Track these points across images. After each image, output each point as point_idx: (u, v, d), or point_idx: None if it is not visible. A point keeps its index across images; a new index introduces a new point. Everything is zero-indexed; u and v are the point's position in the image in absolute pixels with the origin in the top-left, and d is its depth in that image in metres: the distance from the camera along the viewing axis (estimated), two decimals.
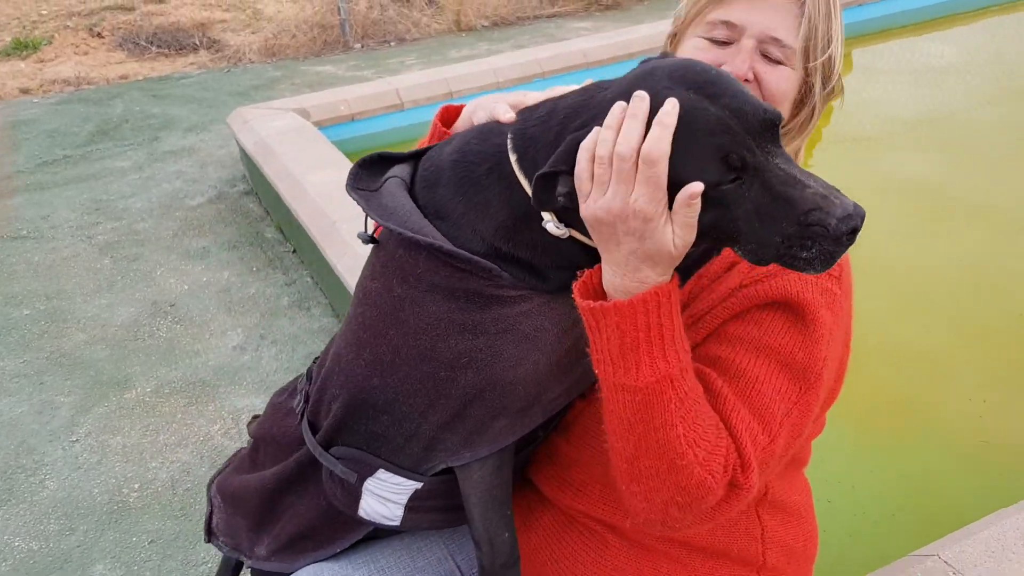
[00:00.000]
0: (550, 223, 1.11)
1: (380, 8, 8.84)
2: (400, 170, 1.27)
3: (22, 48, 8.95)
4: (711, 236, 1.05)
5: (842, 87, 1.37)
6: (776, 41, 1.26)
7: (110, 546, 2.80)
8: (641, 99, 1.01)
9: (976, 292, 3.81)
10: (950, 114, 5.85)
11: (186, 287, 4.36)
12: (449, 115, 1.45)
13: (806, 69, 1.30)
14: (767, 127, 1.02)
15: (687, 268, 1.21)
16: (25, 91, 7.83)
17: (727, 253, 1.26)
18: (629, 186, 1.00)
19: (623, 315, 1.07)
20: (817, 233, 0.98)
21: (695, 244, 1.05)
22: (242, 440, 3.27)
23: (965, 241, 4.23)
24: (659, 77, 1.06)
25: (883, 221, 4.39)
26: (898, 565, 2.02)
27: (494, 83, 5.67)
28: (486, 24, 8.90)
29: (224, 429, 3.33)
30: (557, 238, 1.13)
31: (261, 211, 5.10)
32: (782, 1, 1.26)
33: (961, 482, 2.77)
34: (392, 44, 8.61)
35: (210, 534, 1.58)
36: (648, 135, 0.99)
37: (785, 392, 1.18)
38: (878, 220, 4.41)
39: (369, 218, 1.26)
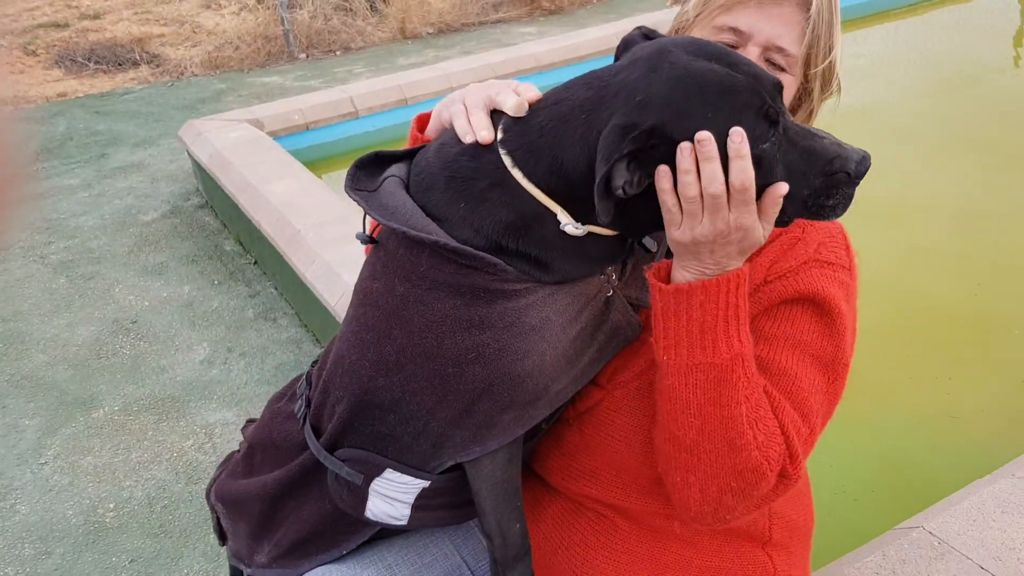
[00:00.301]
0: (568, 225, 1.13)
1: (324, 18, 8.79)
2: (397, 169, 1.27)
3: None
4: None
5: (840, 87, 1.42)
6: (781, 50, 1.30)
7: (89, 568, 2.74)
8: (709, 141, 1.04)
9: (930, 275, 3.94)
10: (882, 107, 6.04)
11: (147, 303, 4.28)
12: (423, 122, 1.46)
13: (806, 75, 1.35)
14: (777, 89, 1.11)
15: None
16: None
17: None
18: (725, 212, 1.07)
19: (708, 294, 1.14)
20: (840, 180, 1.08)
21: None
22: (217, 454, 3.22)
23: (908, 228, 4.37)
24: (677, 52, 1.09)
25: None
26: (885, 538, 2.09)
27: (447, 88, 5.68)
28: (431, 31, 8.91)
29: (198, 444, 3.28)
30: (568, 236, 1.15)
31: (218, 224, 5.03)
32: (788, 10, 1.29)
33: (933, 456, 2.87)
34: (338, 53, 8.57)
35: (223, 538, 1.57)
36: (732, 168, 1.04)
37: (819, 385, 1.24)
38: None
39: (368, 218, 1.26)
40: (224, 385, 3.61)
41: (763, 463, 1.16)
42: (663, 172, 1.08)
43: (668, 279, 1.19)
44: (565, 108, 1.13)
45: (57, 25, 10.05)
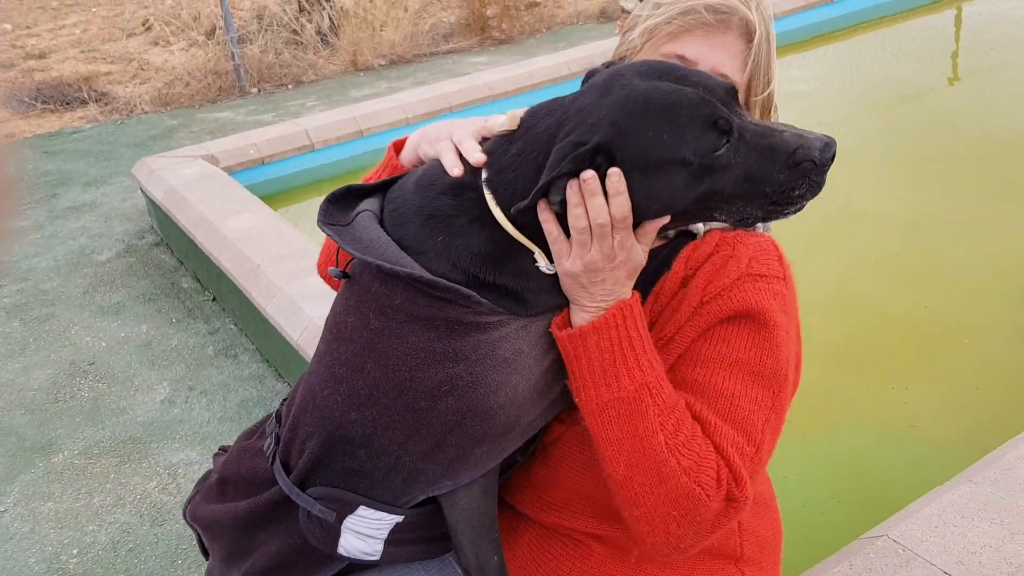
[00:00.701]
0: (541, 263, 1.18)
1: (274, 52, 8.79)
2: (370, 204, 1.29)
3: None
4: (703, 207, 1.14)
5: (778, 116, 1.47)
6: (724, 77, 1.33)
7: None
8: (592, 178, 1.12)
9: (879, 288, 4.04)
10: (826, 127, 6.17)
11: (104, 344, 4.22)
12: (400, 146, 1.49)
13: (747, 103, 1.39)
14: (731, 95, 1.15)
15: (644, 287, 1.31)
16: None
17: (678, 269, 1.33)
18: (610, 238, 1.15)
19: (601, 333, 1.19)
20: (807, 169, 1.10)
21: (677, 226, 1.17)
22: (181, 495, 3.18)
23: (856, 243, 4.49)
24: (628, 75, 1.15)
25: (778, 228, 4.62)
26: (851, 548, 2.13)
27: (403, 119, 5.72)
28: (383, 63, 8.95)
29: (161, 485, 3.24)
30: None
31: (174, 261, 4.99)
32: (732, 40, 1.34)
33: (894, 465, 2.93)
34: (290, 87, 8.56)
35: (207, 554, 1.56)
36: (612, 203, 1.13)
37: (761, 400, 1.26)
38: (774, 228, 4.65)
39: (340, 253, 1.28)
40: (186, 424, 3.57)
41: (695, 488, 1.18)
42: (542, 205, 1.15)
43: (571, 324, 1.25)
44: (532, 137, 1.18)
45: (2, 65, 9.92)
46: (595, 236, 1.15)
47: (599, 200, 1.13)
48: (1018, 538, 1.98)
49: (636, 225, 1.16)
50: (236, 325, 4.26)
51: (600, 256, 1.16)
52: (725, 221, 1.17)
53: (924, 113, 6.25)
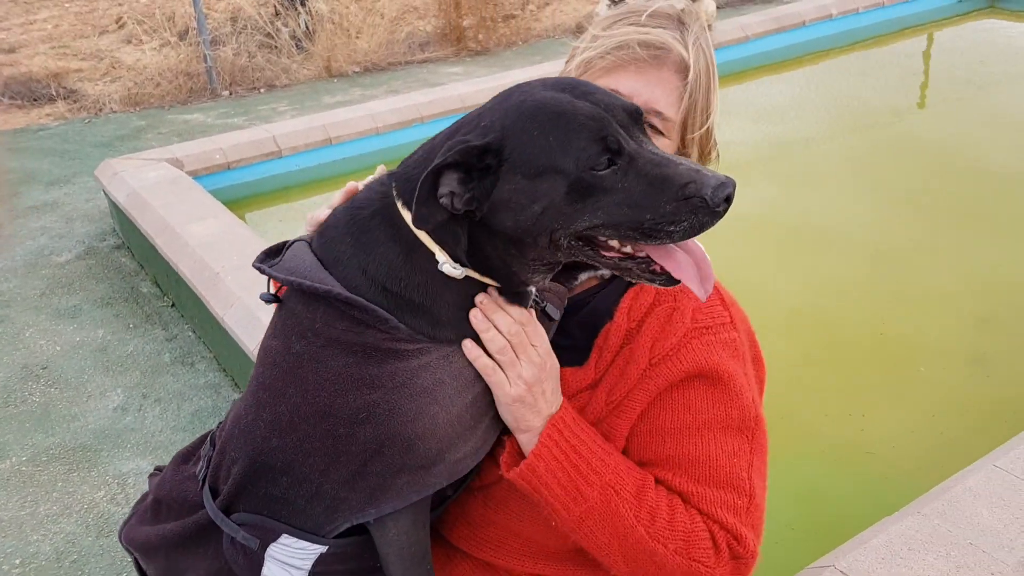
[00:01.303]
0: (446, 264, 1.16)
1: (247, 55, 8.72)
2: (302, 236, 1.30)
3: None
4: (576, 221, 1.10)
5: (717, 153, 1.46)
6: (659, 114, 1.34)
7: None
8: (484, 299, 1.19)
9: (838, 311, 4.07)
10: (792, 149, 6.27)
11: (58, 348, 4.15)
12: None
13: (683, 140, 1.38)
14: (634, 118, 1.13)
15: (587, 336, 1.34)
16: None
17: (620, 321, 1.33)
18: (529, 347, 1.20)
19: (545, 458, 1.23)
20: (695, 205, 1.05)
21: (554, 249, 1.13)
22: (130, 505, 3.12)
23: (817, 265, 4.52)
24: (531, 86, 1.15)
25: (742, 249, 4.66)
26: None
27: (372, 128, 5.68)
28: (358, 70, 8.91)
29: (110, 495, 3.18)
30: (450, 281, 1.18)
31: (135, 265, 4.92)
32: (667, 75, 1.33)
33: (848, 493, 2.94)
34: (262, 91, 8.50)
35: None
36: (498, 322, 1.19)
37: (739, 449, 1.27)
38: (738, 249, 4.68)
39: (272, 280, 1.28)
40: (138, 433, 3.51)
41: (692, 564, 1.21)
42: (468, 345, 1.20)
43: (519, 458, 1.27)
44: (431, 143, 1.20)
45: None
46: (517, 349, 1.19)
47: (500, 315, 1.19)
48: (963, 572, 1.99)
49: (520, 236, 1.13)
50: (194, 332, 4.21)
51: (532, 368, 1.20)
52: (610, 237, 1.13)
53: (892, 138, 6.32)
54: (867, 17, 8.40)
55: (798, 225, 4.96)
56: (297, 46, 9.06)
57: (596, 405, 1.31)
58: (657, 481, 1.28)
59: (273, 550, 1.29)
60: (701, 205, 1.04)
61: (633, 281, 1.19)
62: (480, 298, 1.18)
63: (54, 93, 8.50)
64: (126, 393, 3.77)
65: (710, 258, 1.38)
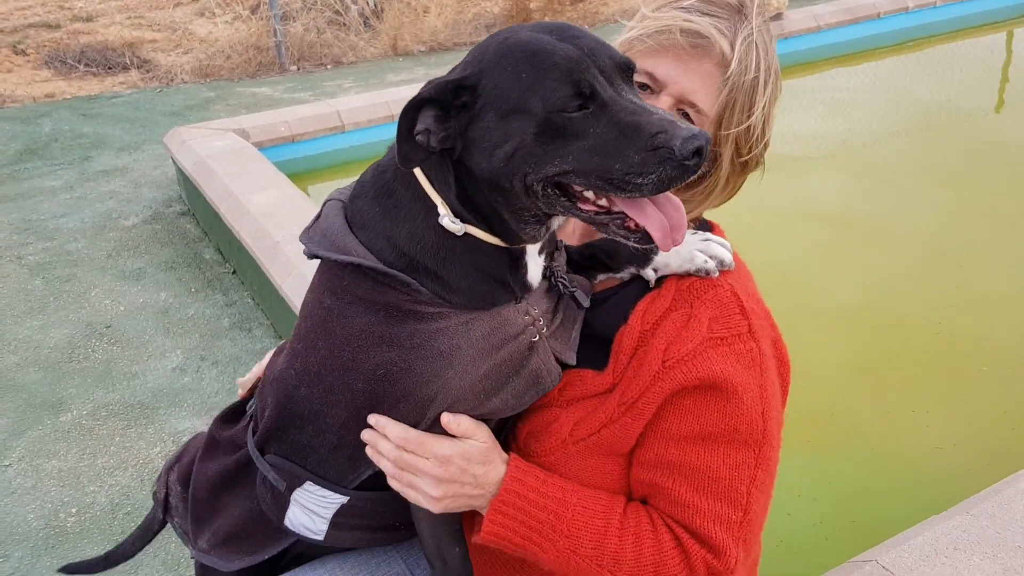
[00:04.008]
0: (445, 218, 1.15)
1: (316, 31, 8.83)
2: (340, 193, 1.30)
3: None
4: (546, 165, 1.07)
5: (760, 162, 1.41)
6: (692, 105, 1.31)
7: (47, 572, 2.72)
8: (377, 419, 1.22)
9: (897, 309, 3.98)
10: (862, 143, 6.13)
11: (122, 308, 4.27)
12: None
13: (716, 137, 1.33)
14: (620, 67, 1.09)
15: (603, 339, 1.32)
16: None
17: (634, 324, 1.31)
18: (421, 460, 1.22)
19: (493, 536, 1.26)
20: (663, 156, 1.00)
21: (531, 196, 1.10)
22: None
23: (878, 262, 4.42)
24: (518, 27, 1.13)
25: (801, 243, 4.59)
26: (838, 571, 2.10)
27: None
28: (423, 49, 8.96)
29: (164, 452, 3.27)
30: (456, 241, 1.17)
31: (199, 232, 5.03)
32: (707, 67, 1.29)
33: (894, 491, 2.89)
34: (328, 67, 8.60)
35: (166, 511, 1.60)
36: (388, 434, 1.23)
37: (743, 464, 1.26)
38: (797, 242, 4.61)
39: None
40: (195, 393, 3.60)
41: None
42: (374, 455, 1.25)
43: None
44: None
45: (49, 26, 10.04)
46: (408, 468, 1.23)
47: (382, 443, 1.23)
48: (1010, 575, 1.94)
49: (495, 178, 1.11)
50: (253, 299, 4.29)
51: (435, 471, 1.22)
52: (580, 186, 1.09)
53: (963, 138, 6.15)
54: (945, 11, 8.18)
55: (860, 221, 4.87)
56: (365, 23, 9.14)
57: (609, 407, 1.30)
58: (654, 487, 1.29)
59: (298, 494, 1.34)
60: (669, 156, 1.00)
61: (608, 236, 1.14)
62: (372, 419, 1.23)
63: (128, 62, 8.71)
64: (185, 355, 3.87)
65: (731, 246, 1.36)
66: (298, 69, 8.52)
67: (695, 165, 1.01)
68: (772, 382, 1.30)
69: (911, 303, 4.04)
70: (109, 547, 2.79)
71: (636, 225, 1.10)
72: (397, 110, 5.78)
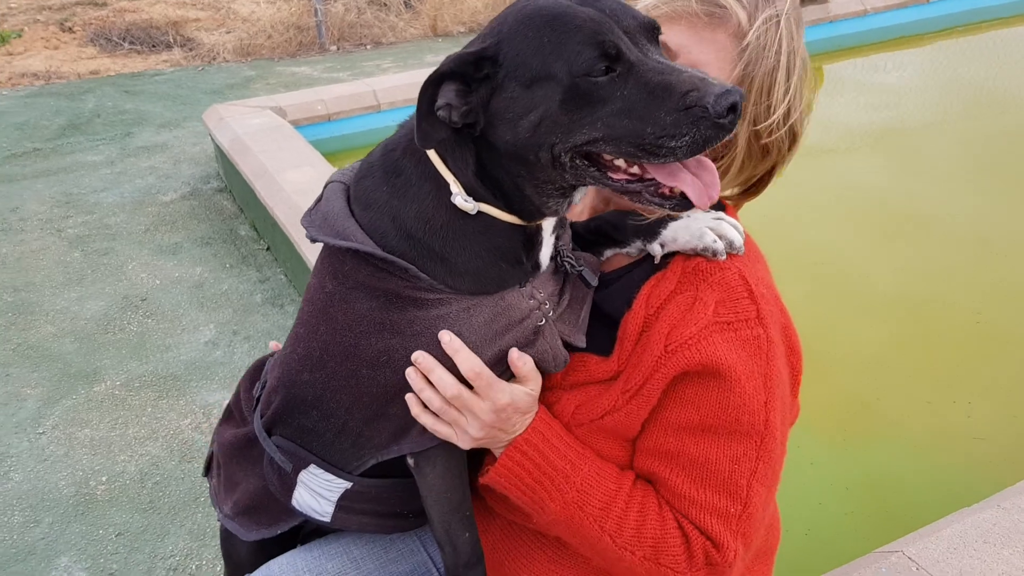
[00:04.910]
0: (458, 196, 1.12)
1: (357, 11, 8.84)
2: (341, 175, 1.28)
3: None
4: (574, 133, 1.03)
5: (783, 154, 1.34)
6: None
7: (75, 538, 2.77)
8: (424, 356, 1.15)
9: (933, 299, 3.89)
10: (906, 129, 5.99)
11: (158, 282, 4.32)
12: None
13: None
14: (645, 28, 1.05)
15: (608, 326, 1.29)
16: None
17: (638, 310, 1.27)
18: (478, 402, 1.17)
19: (503, 475, 1.24)
20: (696, 115, 0.96)
21: (559, 168, 1.07)
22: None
23: (917, 249, 4.33)
24: None
25: (841, 229, 4.51)
26: (863, 561, 2.06)
27: None
28: (463, 30, 8.93)
29: (195, 424, 3.30)
30: (468, 221, 1.14)
31: (235, 208, 5.07)
32: (722, 39, 1.24)
33: (925, 482, 2.83)
34: (368, 47, 8.61)
35: (208, 470, 1.61)
36: (457, 363, 1.15)
37: (743, 455, 1.21)
38: (837, 228, 4.52)
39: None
40: (226, 367, 3.63)
41: (661, 569, 1.21)
42: (411, 399, 1.19)
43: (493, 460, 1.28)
44: None
45: (95, 4, 10.18)
46: (462, 409, 1.18)
47: (438, 372, 1.16)
48: None
49: (520, 151, 1.07)
50: (286, 276, 4.32)
51: (481, 424, 1.19)
52: (611, 154, 1.05)
53: (1011, 126, 5.98)
54: None
55: (901, 208, 4.76)
56: (406, 4, 9.12)
57: (612, 395, 1.26)
58: (653, 476, 1.26)
59: (304, 476, 1.33)
60: (703, 115, 0.95)
61: (642, 205, 1.10)
62: (416, 355, 1.16)
63: (171, 40, 8.80)
64: (218, 329, 3.91)
65: (743, 233, 1.28)
66: (338, 49, 8.54)
67: (730, 123, 0.96)
68: (778, 371, 1.24)
69: (951, 291, 3.95)
70: (137, 515, 2.85)
71: (671, 190, 1.06)
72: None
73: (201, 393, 3.47)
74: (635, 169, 1.07)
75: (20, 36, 9.08)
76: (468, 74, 1.06)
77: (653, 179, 1.07)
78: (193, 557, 2.68)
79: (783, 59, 1.25)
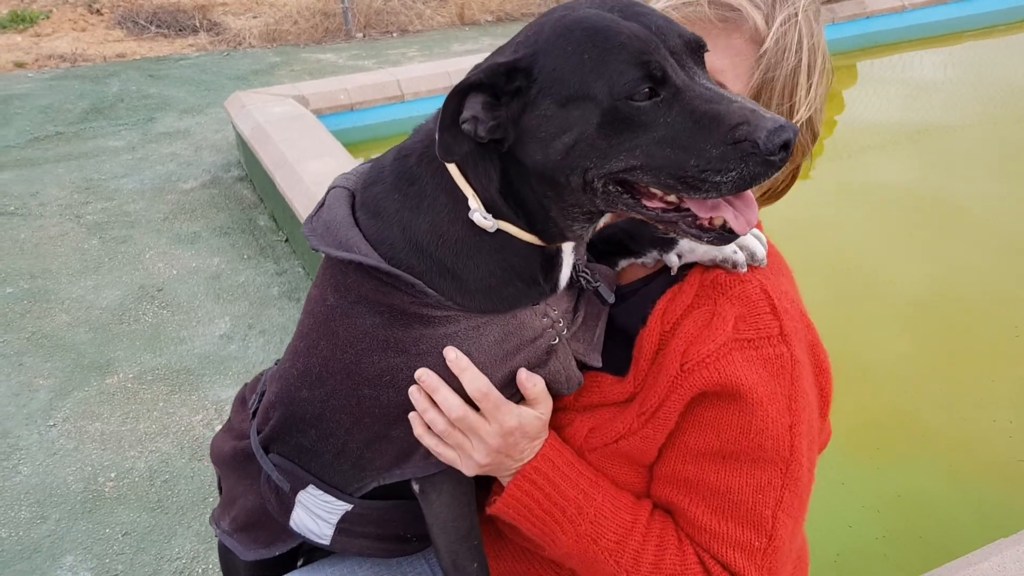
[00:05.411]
0: (476, 213, 1.04)
1: None
2: (344, 179, 1.19)
3: (19, 21, 8.83)
4: (610, 160, 0.95)
5: (803, 152, 1.25)
6: (720, 85, 1.13)
7: (82, 537, 2.71)
8: (428, 375, 1.08)
9: (967, 307, 3.75)
10: (942, 128, 5.84)
11: (175, 272, 4.26)
12: None
13: None
14: (691, 48, 0.97)
15: (623, 345, 1.20)
16: (20, 65, 7.71)
17: (653, 326, 1.18)
18: (484, 425, 1.10)
19: (511, 505, 1.17)
20: (746, 150, 0.89)
21: (589, 193, 0.99)
22: None
23: (951, 252, 4.19)
24: (578, 4, 1.00)
25: (872, 228, 4.38)
26: None
27: None
28: (490, 19, 8.82)
29: (206, 420, 3.24)
30: (485, 238, 1.06)
31: (255, 198, 5.01)
32: (738, 43, 1.16)
33: (960, 505, 2.71)
34: (394, 35, 8.52)
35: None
36: (464, 382, 1.08)
37: (768, 484, 1.12)
38: (868, 227, 4.39)
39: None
40: (240, 362, 3.57)
41: None
42: (414, 418, 1.11)
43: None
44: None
45: None
46: (466, 432, 1.11)
47: (443, 392, 1.09)
48: None
49: (550, 172, 0.99)
50: (304, 269, 4.25)
51: (488, 449, 1.12)
52: (636, 180, 0.97)
53: None
54: None
55: (937, 210, 4.62)
56: None
57: (627, 418, 1.18)
58: (671, 506, 1.17)
59: (302, 497, 1.27)
60: (753, 151, 0.88)
61: (679, 237, 1.03)
62: (420, 373, 1.08)
63: (198, 24, 8.76)
64: (233, 322, 3.85)
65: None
66: (364, 36, 8.46)
67: (781, 160, 0.89)
68: (804, 392, 1.14)
69: (990, 301, 3.80)
70: (144, 514, 2.80)
71: (710, 221, 0.98)
72: (458, 80, 5.67)
73: (214, 388, 3.41)
74: (672, 197, 0.98)
75: (48, 17, 9.07)
76: (498, 86, 0.97)
77: (690, 208, 0.98)
78: (200, 560, 2.62)
79: (804, 57, 1.17)
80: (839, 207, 4.64)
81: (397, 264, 1.07)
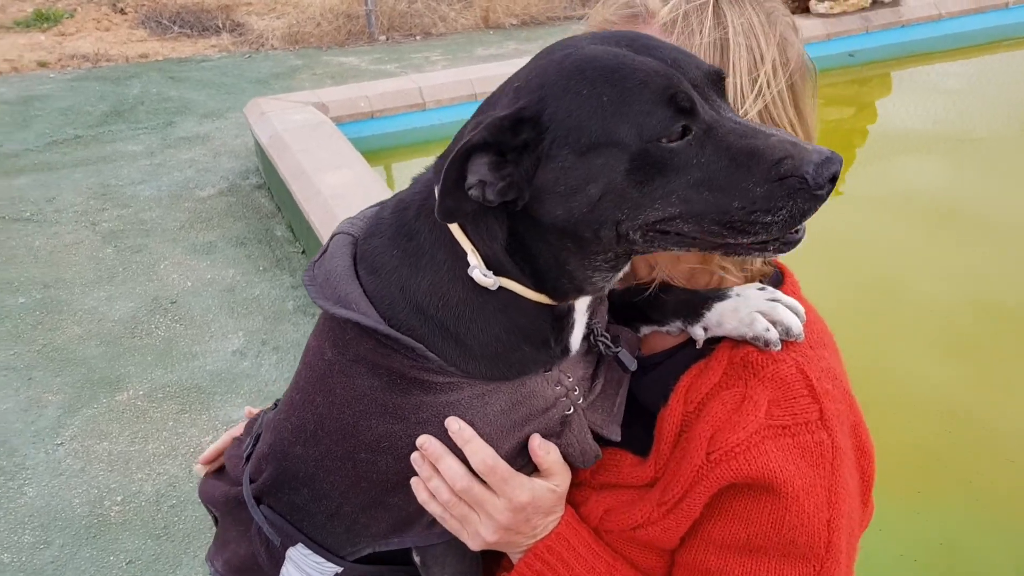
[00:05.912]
0: (476, 270, 0.94)
1: (408, 1, 8.66)
2: (350, 225, 1.10)
3: (43, 20, 8.82)
4: (644, 210, 0.86)
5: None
6: None
7: (85, 564, 2.63)
8: (431, 442, 1.00)
9: (1018, 342, 3.59)
10: (976, 138, 5.69)
11: (189, 283, 4.19)
12: None
13: None
14: (712, 79, 0.88)
15: (644, 424, 1.10)
16: (43, 64, 7.69)
17: (675, 406, 1.07)
18: (492, 499, 1.01)
19: (532, 572, 1.06)
20: (793, 187, 0.82)
21: (625, 243, 0.89)
22: None
23: (996, 273, 4.03)
24: (579, 40, 0.91)
25: (899, 235, 4.25)
26: None
27: None
28: (515, 23, 8.71)
29: (215, 441, 3.15)
30: (488, 298, 0.96)
31: (272, 207, 4.93)
32: (706, 43, 1.01)
33: (993, 548, 2.57)
34: (418, 38, 8.43)
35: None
36: (468, 455, 0.99)
37: None
38: (895, 234, 4.23)
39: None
40: (253, 380, 3.49)
41: None
42: (416, 483, 1.03)
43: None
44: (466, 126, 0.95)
45: None
46: (470, 503, 1.02)
47: (447, 461, 1.00)
48: None
49: (574, 228, 0.89)
50: None
51: (496, 525, 1.03)
52: (691, 233, 0.88)
53: None
54: None
55: (964, 219, 4.46)
56: None
57: (647, 506, 1.07)
58: None
59: (293, 553, 1.19)
60: (801, 187, 0.82)
61: (738, 257, 0.94)
62: (422, 440, 0.99)
63: (220, 25, 8.71)
64: (247, 337, 3.76)
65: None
66: (387, 39, 8.38)
67: (827, 193, 0.83)
68: (845, 483, 1.03)
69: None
70: (150, 541, 2.71)
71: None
72: (481, 88, 5.58)
73: (225, 408, 3.33)
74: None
75: (72, 16, 9.06)
76: (504, 142, 0.86)
77: None
78: None
79: (737, 38, 1.03)
80: (871, 216, 4.49)
81: (397, 325, 0.98)
